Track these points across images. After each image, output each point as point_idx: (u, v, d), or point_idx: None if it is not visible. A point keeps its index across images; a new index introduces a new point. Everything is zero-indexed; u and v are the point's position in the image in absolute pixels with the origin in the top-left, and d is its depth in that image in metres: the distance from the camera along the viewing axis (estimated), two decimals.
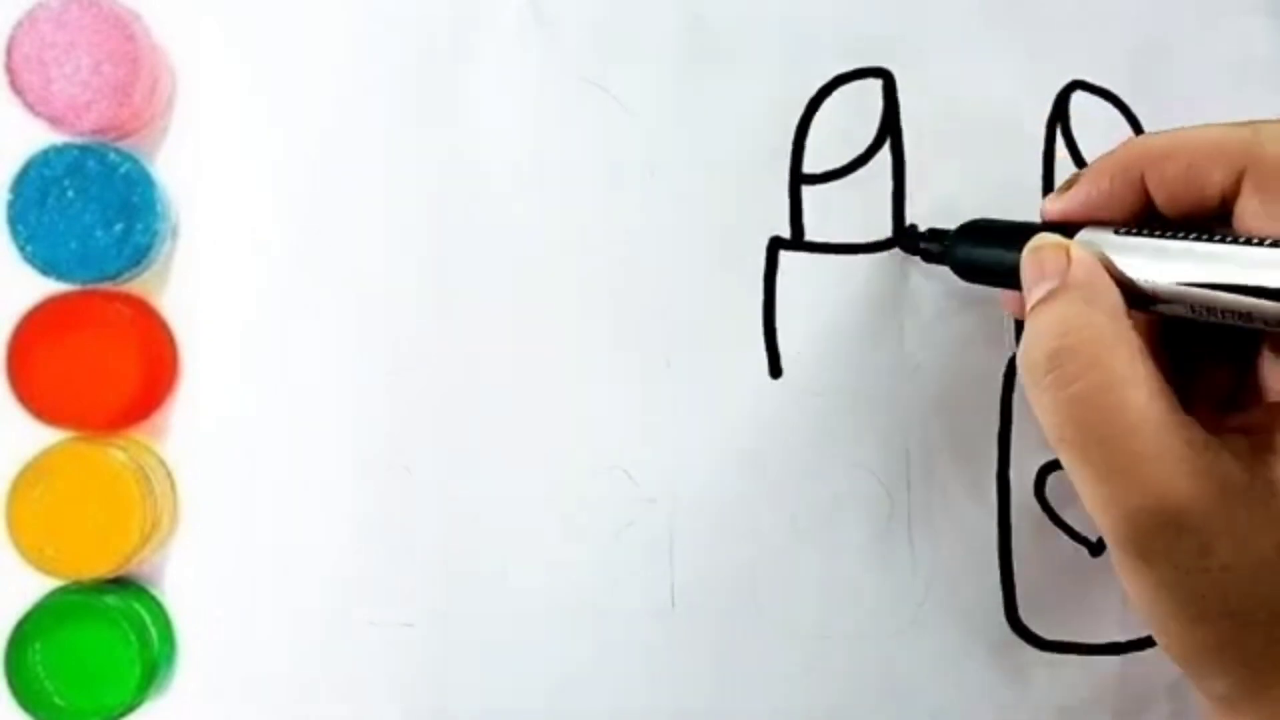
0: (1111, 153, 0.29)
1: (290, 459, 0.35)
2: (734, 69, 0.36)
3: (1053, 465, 0.36)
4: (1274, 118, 0.27)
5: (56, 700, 0.33)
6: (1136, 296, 0.27)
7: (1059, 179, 0.37)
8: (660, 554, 0.36)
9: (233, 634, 0.35)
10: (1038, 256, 0.28)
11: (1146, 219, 0.28)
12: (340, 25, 0.35)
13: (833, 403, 0.36)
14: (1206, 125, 0.28)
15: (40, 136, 0.33)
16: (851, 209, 0.36)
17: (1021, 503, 0.36)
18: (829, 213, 0.36)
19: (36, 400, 0.33)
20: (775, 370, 0.36)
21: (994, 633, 0.36)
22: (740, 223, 0.36)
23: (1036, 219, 0.37)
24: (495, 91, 0.36)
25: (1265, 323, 0.25)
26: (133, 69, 0.33)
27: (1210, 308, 0.25)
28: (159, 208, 0.34)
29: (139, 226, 0.33)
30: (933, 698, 0.36)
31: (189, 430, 0.35)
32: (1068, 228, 0.29)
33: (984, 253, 0.32)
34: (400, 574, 0.35)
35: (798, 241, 0.36)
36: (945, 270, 0.36)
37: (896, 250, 0.36)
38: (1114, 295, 0.26)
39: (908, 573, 0.36)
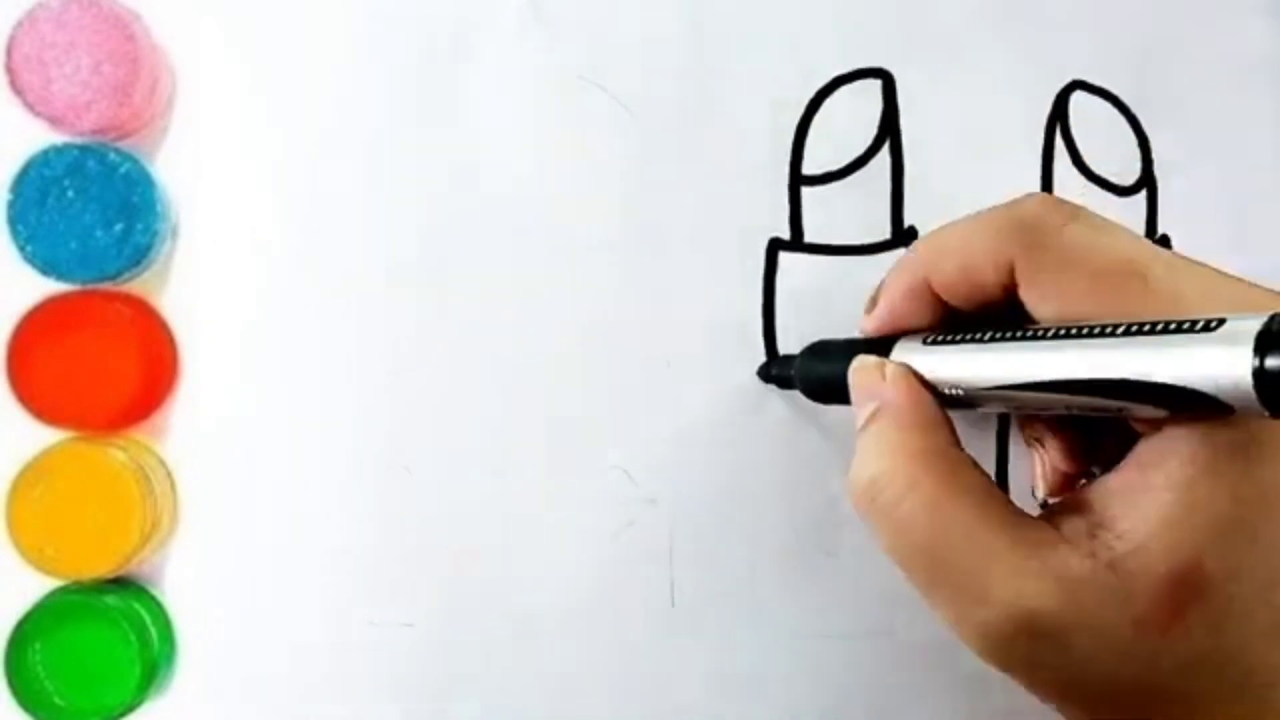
0: (898, 263, 0.30)
1: (290, 459, 0.35)
2: (734, 69, 0.36)
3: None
4: (1026, 195, 0.27)
5: (56, 700, 0.33)
6: (961, 403, 0.27)
7: (1059, 179, 0.37)
8: (660, 554, 0.36)
9: (233, 634, 0.35)
10: (857, 380, 0.29)
11: (952, 319, 0.28)
12: (340, 25, 0.35)
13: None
14: (971, 218, 0.28)
15: (40, 136, 0.33)
16: (851, 210, 0.36)
17: (1021, 502, 0.36)
18: (829, 213, 0.36)
19: (36, 400, 0.33)
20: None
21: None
22: (740, 223, 0.36)
23: None
24: (495, 91, 0.36)
25: (1069, 408, 0.24)
26: (133, 69, 0.33)
27: (1021, 406, 0.26)
28: (159, 208, 0.34)
29: (139, 226, 0.33)
30: (932, 698, 0.36)
31: (189, 430, 0.35)
32: (892, 339, 0.29)
33: (822, 370, 0.32)
34: (400, 574, 0.35)
35: (797, 242, 0.36)
36: None
37: (896, 251, 0.36)
38: (929, 410, 0.27)
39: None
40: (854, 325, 0.36)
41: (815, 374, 0.32)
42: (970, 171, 0.37)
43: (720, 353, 0.36)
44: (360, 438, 0.35)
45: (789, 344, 0.36)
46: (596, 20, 0.36)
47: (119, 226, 0.33)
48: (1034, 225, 0.26)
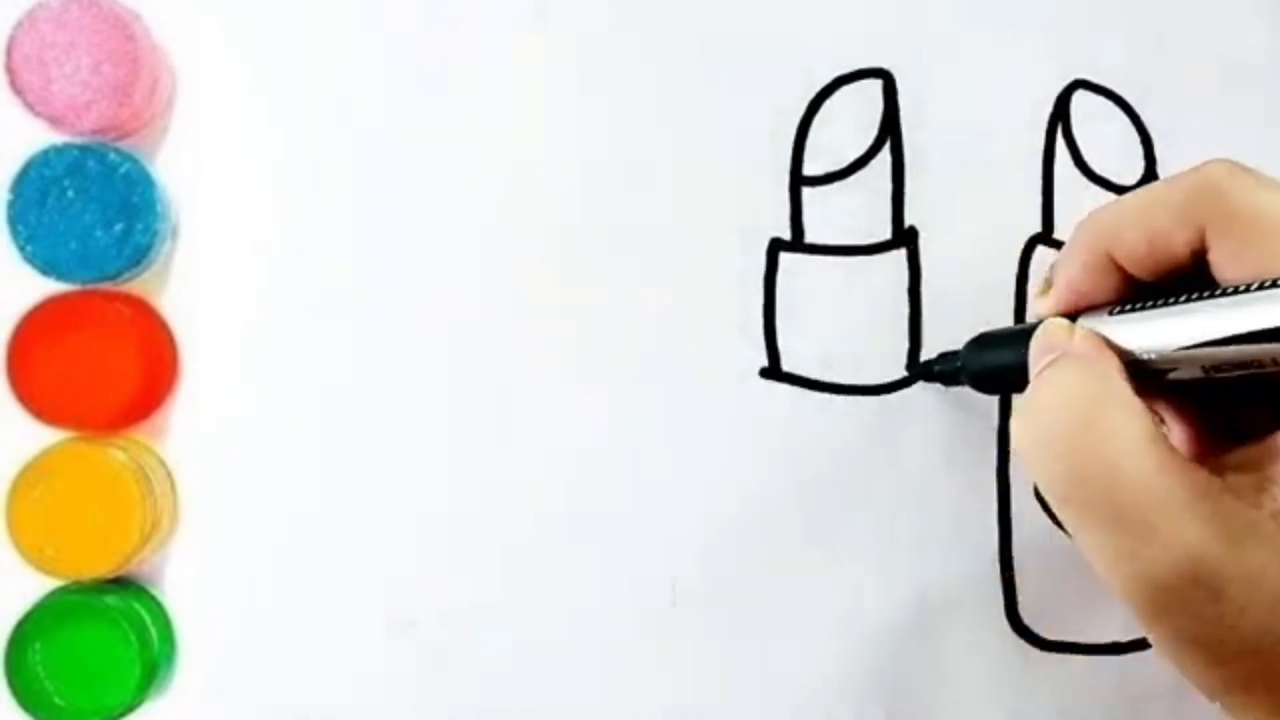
0: (1073, 238, 0.29)
1: (290, 459, 0.35)
2: (734, 69, 0.36)
3: None
4: (1208, 161, 0.27)
5: (56, 700, 0.33)
6: (1149, 372, 0.27)
7: (1059, 179, 0.37)
8: (660, 554, 0.36)
9: (233, 634, 0.35)
10: (1043, 335, 0.28)
11: (1135, 290, 0.28)
12: (340, 25, 0.35)
13: (833, 403, 0.36)
14: (1148, 188, 0.28)
15: (40, 136, 0.33)
16: (852, 210, 0.36)
17: (1021, 503, 0.36)
18: (829, 213, 0.36)
19: (36, 400, 0.33)
20: (775, 370, 0.36)
21: (995, 633, 0.36)
22: (740, 223, 0.36)
23: (1036, 223, 0.37)
24: (495, 92, 0.36)
25: (1274, 362, 0.25)
26: (133, 69, 0.33)
27: (1218, 365, 0.26)
28: (159, 208, 0.34)
29: (139, 226, 0.33)
30: (933, 698, 0.36)
31: (189, 430, 0.35)
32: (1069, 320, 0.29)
33: (995, 357, 0.32)
34: (401, 573, 0.35)
35: (798, 242, 0.36)
36: (945, 270, 0.36)
37: (896, 251, 0.36)
38: (1109, 359, 0.27)
39: (908, 572, 0.36)
40: (855, 325, 0.36)
41: (988, 363, 0.32)
42: (972, 171, 0.37)
43: (720, 353, 0.36)
44: (360, 437, 0.35)
45: (789, 344, 0.36)
46: (596, 20, 0.36)
47: (119, 226, 0.33)
48: (1223, 188, 0.26)
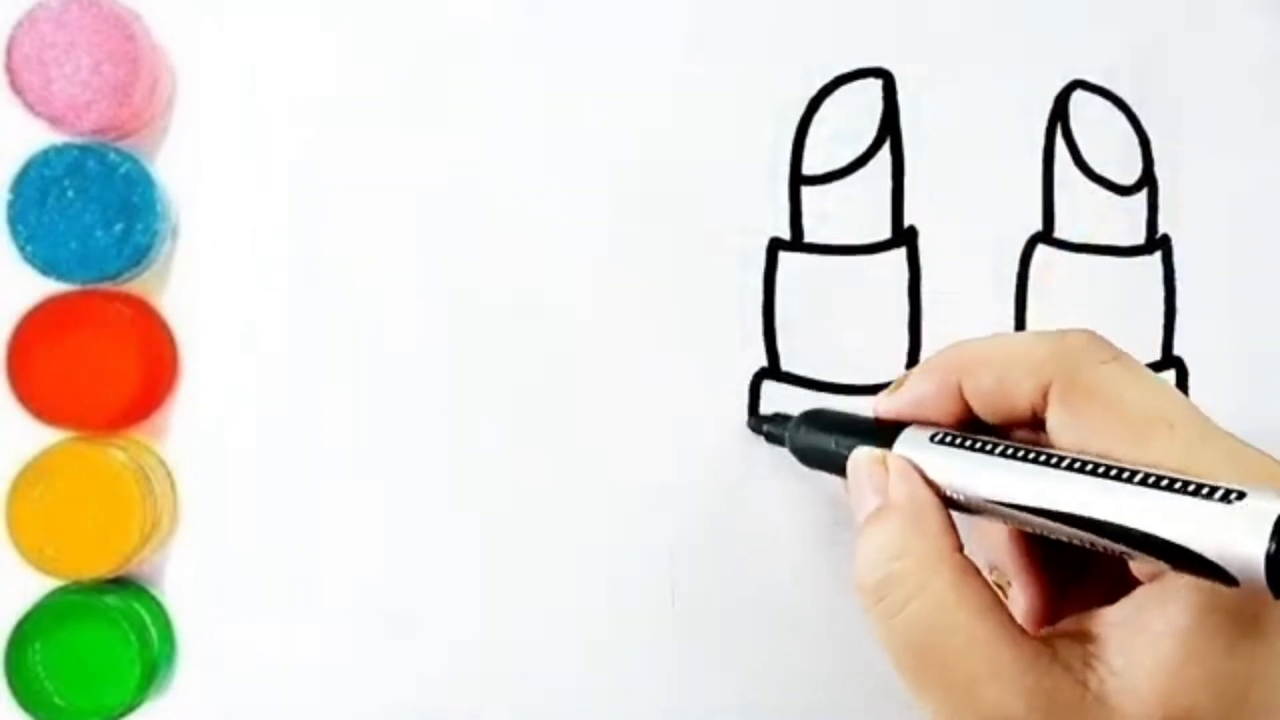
0: (935, 356, 0.30)
1: (290, 459, 0.35)
2: (734, 69, 0.36)
3: None
4: (1076, 328, 0.27)
5: (56, 700, 0.33)
6: (955, 504, 0.27)
7: (1059, 179, 0.37)
8: (660, 554, 0.36)
9: (233, 634, 0.35)
10: (859, 473, 0.29)
11: (968, 423, 0.29)
12: (340, 25, 0.35)
13: (832, 403, 0.36)
14: (1018, 335, 0.29)
15: (40, 136, 0.33)
16: (852, 209, 0.36)
17: None
18: (829, 213, 0.36)
19: (36, 400, 0.33)
20: (775, 370, 0.36)
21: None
22: (740, 223, 0.36)
23: (1036, 222, 0.37)
24: (494, 91, 0.36)
25: (1071, 540, 0.24)
26: (133, 69, 0.33)
27: (1022, 524, 0.26)
28: (159, 208, 0.34)
29: (139, 226, 0.33)
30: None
31: (189, 430, 0.35)
32: (898, 425, 0.29)
33: (816, 441, 0.32)
34: (400, 573, 0.35)
35: (798, 242, 0.36)
36: (944, 269, 0.37)
37: (896, 250, 0.36)
38: (936, 514, 0.27)
39: None
40: (856, 325, 0.36)
41: (811, 444, 0.32)
42: (971, 171, 0.37)
43: (720, 353, 0.36)
44: (360, 437, 0.35)
45: (789, 344, 0.36)
46: (596, 20, 0.36)
47: (119, 226, 0.33)
48: (1077, 355, 0.26)
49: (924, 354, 0.36)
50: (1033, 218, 0.37)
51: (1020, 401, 0.27)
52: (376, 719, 0.35)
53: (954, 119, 0.37)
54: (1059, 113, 0.37)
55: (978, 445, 0.27)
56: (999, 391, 0.27)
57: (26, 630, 0.33)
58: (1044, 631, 0.27)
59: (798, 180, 0.36)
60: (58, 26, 0.33)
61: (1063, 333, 0.27)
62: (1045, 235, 0.37)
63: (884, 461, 0.29)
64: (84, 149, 0.33)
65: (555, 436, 0.36)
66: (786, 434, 0.34)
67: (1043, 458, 0.25)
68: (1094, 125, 0.37)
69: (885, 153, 0.37)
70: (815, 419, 0.33)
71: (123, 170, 0.33)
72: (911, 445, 0.28)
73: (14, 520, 0.33)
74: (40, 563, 0.33)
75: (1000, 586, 0.31)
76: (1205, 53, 0.38)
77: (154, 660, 0.33)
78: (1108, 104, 0.37)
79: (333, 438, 0.35)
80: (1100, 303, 0.38)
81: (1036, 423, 0.27)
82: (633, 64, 0.36)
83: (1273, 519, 0.20)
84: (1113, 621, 0.25)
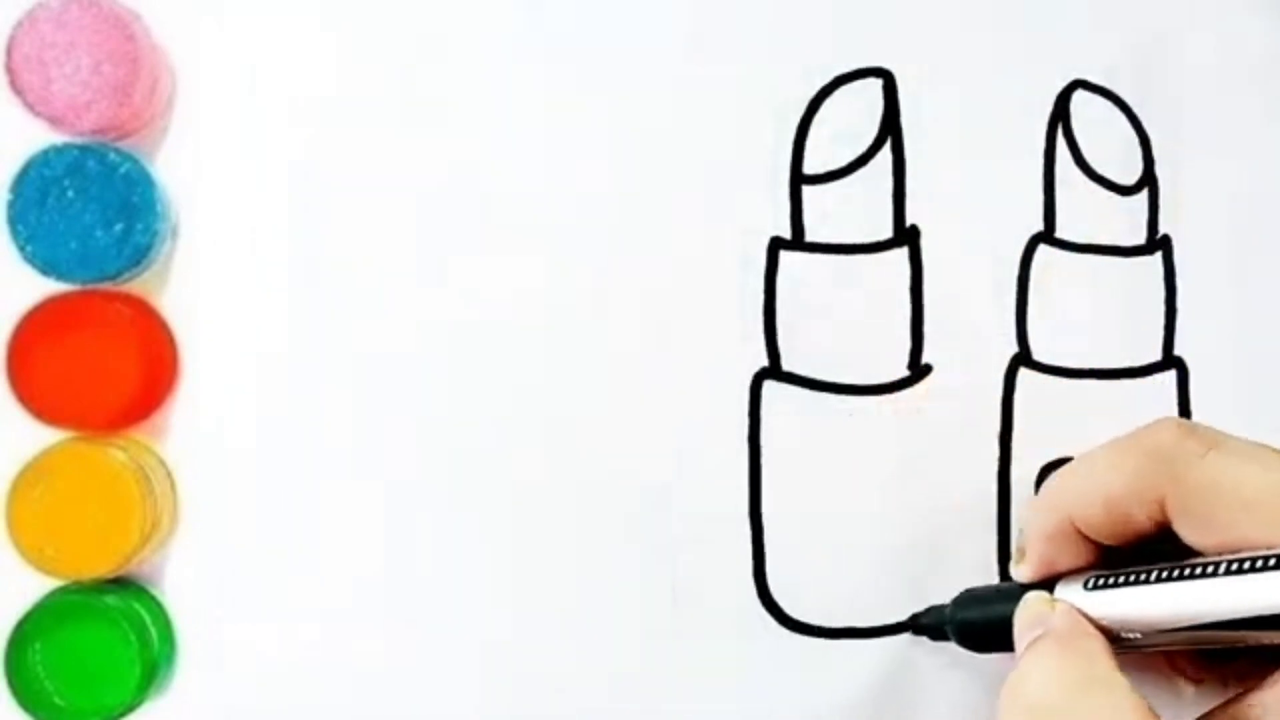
0: (1035, 505, 0.30)
1: (290, 459, 0.35)
2: (734, 68, 0.36)
3: (1053, 465, 0.36)
4: (1156, 422, 0.27)
5: (56, 700, 0.33)
6: (1128, 642, 0.27)
7: (1059, 179, 0.37)
8: (660, 554, 0.36)
9: (233, 634, 0.35)
10: (1025, 614, 0.29)
11: (1106, 554, 0.29)
12: (340, 25, 0.35)
13: (833, 403, 0.36)
14: (1104, 452, 0.28)
15: (40, 136, 0.33)
16: (853, 209, 0.36)
17: (1021, 503, 0.36)
18: (830, 212, 0.36)
19: (36, 400, 0.33)
20: (775, 370, 0.36)
21: None
22: (740, 223, 0.36)
23: (1037, 222, 0.37)
24: (494, 91, 0.36)
25: (1251, 644, 0.25)
26: (133, 69, 0.33)
27: (1199, 643, 0.26)
28: (159, 208, 0.34)
29: (139, 226, 0.33)
30: (934, 698, 0.36)
31: (189, 430, 0.35)
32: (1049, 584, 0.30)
33: (984, 616, 0.32)
34: (400, 573, 0.35)
35: (798, 241, 0.36)
36: (945, 269, 0.36)
37: (897, 250, 0.36)
38: (1093, 640, 0.27)
39: (909, 572, 0.36)
40: (857, 325, 0.36)
41: (974, 619, 0.33)
42: (972, 170, 0.37)
43: (720, 353, 0.36)
44: (360, 437, 0.35)
45: (789, 344, 0.36)
46: (596, 20, 0.36)
47: (119, 226, 0.33)
48: (1172, 458, 0.26)
49: (925, 354, 0.36)
50: (1034, 218, 0.37)
51: (1141, 525, 0.27)
52: (376, 719, 0.35)
53: (955, 119, 0.37)
54: (1060, 113, 0.37)
55: (1130, 580, 0.27)
56: (1112, 519, 0.27)
57: (26, 630, 0.33)
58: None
59: (798, 180, 0.36)
60: (58, 26, 0.33)
61: (1146, 433, 0.27)
62: (1046, 235, 0.37)
63: (1049, 603, 0.29)
64: (84, 149, 0.33)
65: (555, 436, 0.36)
66: (946, 624, 0.34)
67: (1196, 571, 0.25)
68: (1095, 125, 0.37)
69: (886, 152, 0.37)
70: (972, 599, 0.33)
71: (123, 170, 0.33)
72: (1069, 595, 0.29)
73: (14, 520, 0.33)
74: (40, 563, 0.33)
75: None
76: (1206, 53, 0.38)
77: (154, 660, 0.33)
78: (1108, 104, 0.37)
79: (333, 438, 0.35)
80: (1101, 303, 0.38)
81: (1168, 533, 0.27)
82: (633, 64, 0.36)
83: None
84: (1270, 704, 0.25)
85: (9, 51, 0.33)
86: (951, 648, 0.34)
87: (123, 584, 0.34)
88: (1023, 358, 0.37)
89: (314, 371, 0.35)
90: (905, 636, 0.36)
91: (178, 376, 0.35)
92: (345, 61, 0.35)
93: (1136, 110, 0.37)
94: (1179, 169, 0.38)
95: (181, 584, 0.35)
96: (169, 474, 0.35)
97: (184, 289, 0.35)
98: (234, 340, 0.35)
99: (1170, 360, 0.38)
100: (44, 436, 0.33)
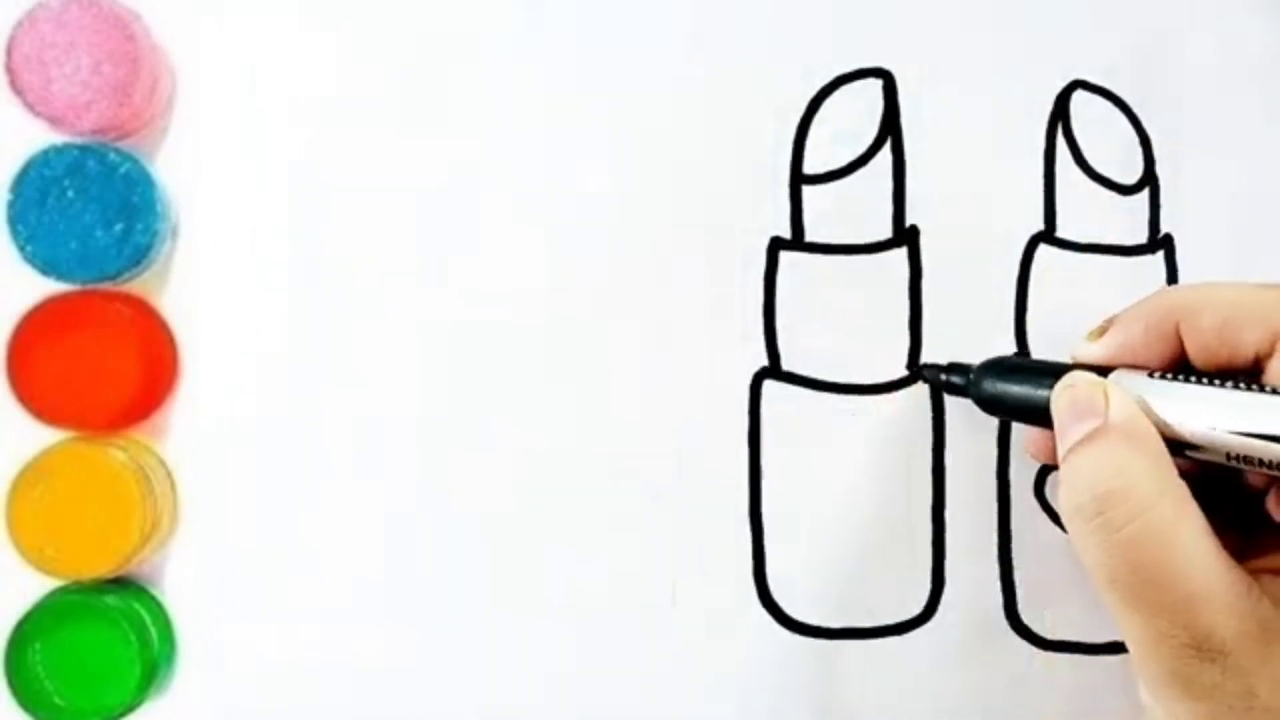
0: (1145, 300, 0.30)
1: (290, 459, 0.35)
2: (734, 68, 0.36)
3: (1053, 466, 0.36)
4: None
5: (56, 700, 0.33)
6: (1172, 442, 0.27)
7: (1060, 179, 0.37)
8: (660, 554, 0.36)
9: (233, 634, 0.35)
10: (1073, 395, 0.28)
11: (1178, 368, 0.29)
12: (339, 25, 0.35)
13: (833, 403, 0.36)
14: (1240, 284, 0.28)
15: (40, 136, 0.33)
16: (852, 209, 0.36)
17: (1021, 502, 0.36)
18: (830, 213, 0.36)
19: (36, 400, 0.33)
20: (775, 370, 0.36)
21: (995, 632, 0.36)
22: (740, 223, 0.36)
23: (1037, 222, 0.37)
24: (494, 91, 0.36)
25: None
26: (133, 69, 0.33)
27: (1247, 456, 0.26)
28: (159, 208, 0.34)
29: (139, 226, 0.33)
30: (933, 698, 0.36)
31: (189, 430, 0.35)
32: (1098, 372, 0.29)
33: (1011, 389, 0.32)
34: (400, 573, 0.35)
35: (798, 241, 0.36)
36: (945, 269, 0.36)
37: (897, 250, 0.36)
38: (1156, 439, 0.27)
39: (909, 573, 0.36)
40: (856, 325, 0.36)
41: (1006, 391, 0.32)
42: (972, 170, 0.37)
43: (720, 353, 0.36)
44: (360, 437, 0.35)
45: (789, 344, 0.36)
46: (596, 20, 0.36)
47: (119, 226, 0.33)
48: None
49: (925, 354, 0.36)
50: (1034, 217, 0.37)
51: (1245, 347, 0.27)
52: (376, 719, 0.35)
53: (954, 119, 0.37)
54: (1060, 112, 0.37)
55: (1203, 380, 0.27)
56: (1223, 335, 0.27)
57: (26, 630, 0.33)
58: (1246, 566, 0.27)
59: (798, 180, 0.36)
60: (58, 26, 0.33)
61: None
62: (1047, 235, 0.37)
63: (1101, 387, 0.28)
64: (84, 149, 0.33)
65: (555, 436, 0.36)
66: (969, 383, 0.33)
67: (1272, 389, 0.25)
68: (1095, 125, 0.37)
69: (886, 152, 0.37)
70: (1002, 367, 0.32)
71: (123, 170, 0.33)
72: (1131, 383, 0.28)
73: (14, 520, 0.33)
74: (40, 563, 0.33)
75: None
76: (1206, 53, 0.38)
77: (154, 660, 0.33)
78: (1108, 104, 0.37)
79: (333, 438, 0.35)
80: (1102, 303, 0.37)
81: (1255, 371, 0.27)
82: (633, 64, 0.36)
83: None
84: None
85: (9, 51, 0.33)
86: (952, 646, 0.34)
87: (123, 584, 0.34)
88: (1023, 357, 0.37)
89: (314, 371, 0.35)
90: (905, 636, 0.36)
91: (178, 376, 0.35)
92: (345, 61, 0.35)
93: (1136, 110, 0.37)
94: (1179, 169, 0.37)
95: (181, 584, 0.35)
96: (169, 474, 0.35)
97: (184, 289, 0.35)
98: (234, 340, 0.35)
99: None
100: (44, 436, 0.33)
